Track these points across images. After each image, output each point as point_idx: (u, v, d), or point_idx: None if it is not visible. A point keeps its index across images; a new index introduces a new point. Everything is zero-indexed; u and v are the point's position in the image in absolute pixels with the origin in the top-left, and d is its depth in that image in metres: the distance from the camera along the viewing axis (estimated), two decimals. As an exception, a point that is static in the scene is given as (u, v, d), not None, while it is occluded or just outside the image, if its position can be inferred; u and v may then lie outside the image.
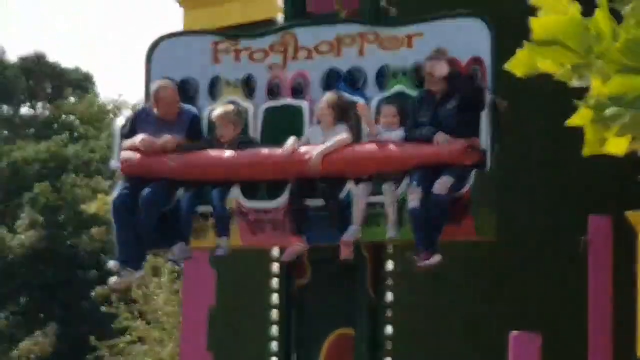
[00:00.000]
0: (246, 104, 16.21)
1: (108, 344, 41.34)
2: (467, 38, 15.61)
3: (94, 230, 54.54)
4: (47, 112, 65.85)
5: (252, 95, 16.32)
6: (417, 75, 15.62)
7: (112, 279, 17.13)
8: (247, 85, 16.41)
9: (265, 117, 16.18)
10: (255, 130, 16.08)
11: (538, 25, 3.77)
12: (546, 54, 3.82)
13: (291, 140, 15.61)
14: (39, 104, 67.28)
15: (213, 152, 15.90)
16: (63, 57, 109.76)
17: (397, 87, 15.72)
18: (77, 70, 71.30)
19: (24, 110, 67.52)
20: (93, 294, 50.13)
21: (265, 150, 15.79)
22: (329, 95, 15.64)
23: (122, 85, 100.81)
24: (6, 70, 66.69)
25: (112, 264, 16.76)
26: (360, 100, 16.13)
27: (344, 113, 15.72)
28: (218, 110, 15.98)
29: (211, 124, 16.11)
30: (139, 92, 34.46)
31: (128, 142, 16.13)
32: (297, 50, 16.18)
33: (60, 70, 69.27)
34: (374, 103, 15.82)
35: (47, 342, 55.30)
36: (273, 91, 16.32)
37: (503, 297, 18.22)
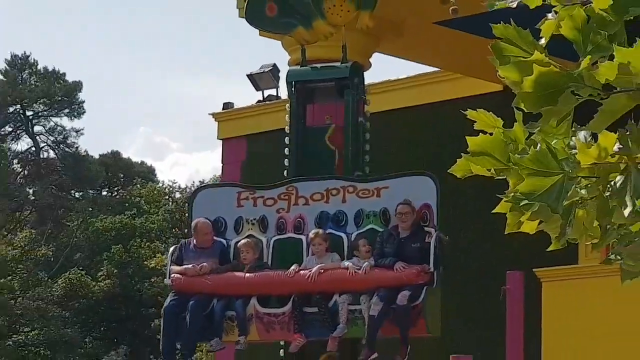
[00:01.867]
0: (261, 237, 16.08)
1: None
2: (419, 190, 15.47)
3: (154, 279, 54.25)
4: (120, 194, 65.33)
5: (265, 230, 16.16)
6: (383, 216, 15.52)
7: None
8: (262, 224, 16.22)
9: (274, 247, 16.04)
10: (267, 256, 15.94)
11: (472, 142, 3.71)
12: (477, 162, 3.76)
13: (294, 266, 15.47)
14: (115, 189, 66.70)
15: (237, 274, 15.68)
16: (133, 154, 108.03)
17: (369, 225, 15.58)
18: (142, 164, 70.74)
19: (104, 193, 66.94)
20: (152, 325, 50.01)
21: (275, 272, 15.62)
22: (321, 231, 15.53)
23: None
24: (90, 165, 66.28)
25: None
26: (342, 235, 15.63)
27: (334, 247, 15.70)
28: (242, 240, 15.88)
29: (236, 251, 15.92)
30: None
31: (177, 268, 15.96)
32: (297, 199, 16.05)
33: (130, 163, 68.89)
34: (352, 236, 15.55)
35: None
36: (280, 228, 16.15)
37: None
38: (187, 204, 18.15)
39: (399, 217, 15.33)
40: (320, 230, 15.55)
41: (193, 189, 60.85)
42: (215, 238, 16.05)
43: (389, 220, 15.48)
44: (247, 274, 15.63)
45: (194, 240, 16.19)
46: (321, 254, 15.53)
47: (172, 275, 15.97)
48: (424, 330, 15.10)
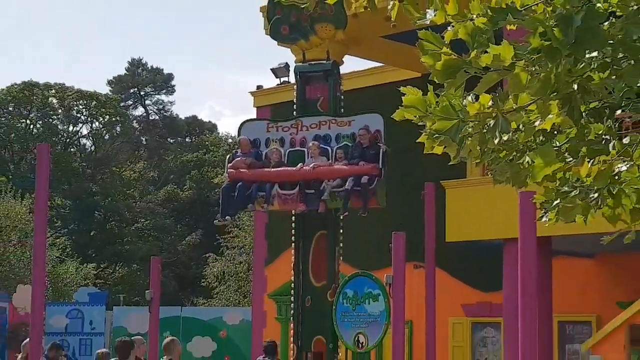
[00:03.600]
0: (280, 149, 15.98)
1: None
2: (373, 121, 15.41)
3: (217, 190, 54.08)
4: (196, 140, 65.17)
5: (283, 145, 16.04)
6: (352, 137, 15.47)
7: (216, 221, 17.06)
8: (281, 141, 16.11)
9: (288, 155, 15.92)
10: (285, 159, 15.83)
11: (405, 99, 3.76)
12: (408, 112, 3.79)
13: (299, 165, 15.37)
14: (193, 137, 66.61)
15: (266, 169, 15.58)
16: (204, 117, 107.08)
17: (344, 142, 15.53)
18: (209, 122, 70.48)
19: (187, 139, 67.02)
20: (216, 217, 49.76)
21: (289, 169, 15.55)
22: (316, 142, 15.51)
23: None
24: (179, 123, 66.27)
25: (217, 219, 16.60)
26: (328, 148, 15.64)
27: (322, 152, 15.60)
28: (271, 148, 15.87)
29: (267, 155, 15.88)
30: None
31: (229, 165, 15.92)
32: (302, 127, 15.95)
33: (202, 122, 68.72)
34: (334, 149, 15.50)
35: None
36: (292, 144, 16.05)
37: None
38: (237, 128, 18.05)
39: (361, 136, 15.31)
40: (316, 142, 15.53)
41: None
42: (252, 148, 16.00)
43: (356, 139, 15.47)
44: (272, 169, 15.56)
45: (239, 150, 16.17)
46: (316, 157, 15.44)
47: (228, 170, 15.94)
48: (375, 203, 15.05)
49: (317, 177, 15.19)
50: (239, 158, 15.78)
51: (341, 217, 15.61)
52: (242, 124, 17.08)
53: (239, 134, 16.56)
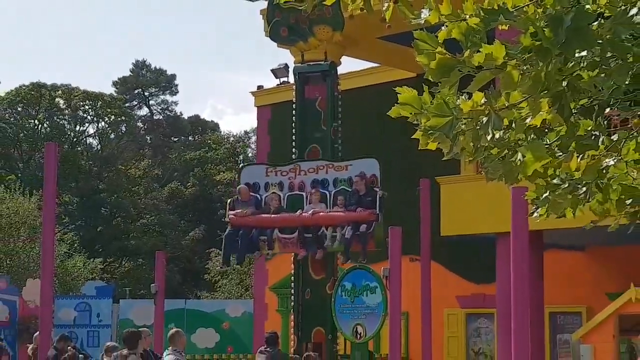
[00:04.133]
0: (279, 193, 15.96)
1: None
2: (369, 166, 15.46)
3: (219, 187, 53.91)
4: (199, 139, 65.27)
5: (282, 189, 16.05)
6: (349, 182, 15.47)
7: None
8: (280, 185, 16.12)
9: (287, 199, 15.92)
10: (284, 204, 15.83)
11: (401, 97, 3.76)
12: (403, 109, 3.80)
13: (299, 211, 15.38)
14: (196, 135, 66.65)
15: (266, 215, 15.56)
16: (206, 116, 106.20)
17: (341, 186, 15.54)
18: (211, 121, 70.46)
19: (190, 138, 67.06)
20: (218, 213, 49.64)
21: (288, 214, 15.51)
22: (316, 189, 15.56)
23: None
24: (182, 122, 66.30)
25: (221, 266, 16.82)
26: (326, 192, 15.60)
27: (322, 198, 15.62)
28: (269, 195, 15.86)
29: (267, 201, 15.87)
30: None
31: (231, 212, 15.88)
32: (300, 171, 15.96)
33: (204, 121, 68.77)
34: (332, 193, 15.49)
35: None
36: (290, 188, 16.04)
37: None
38: (236, 176, 18.19)
39: (356, 182, 15.32)
40: (315, 189, 15.55)
41: (240, 135, 61.07)
42: (252, 194, 15.96)
43: (353, 184, 15.47)
44: (272, 215, 15.54)
45: (240, 197, 16.15)
46: (315, 203, 15.46)
47: (229, 216, 15.88)
48: (373, 247, 15.01)
49: (316, 223, 15.23)
50: (241, 210, 15.74)
51: (342, 263, 15.67)
52: (241, 169, 17.19)
53: (238, 179, 16.65)
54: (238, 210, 15.69)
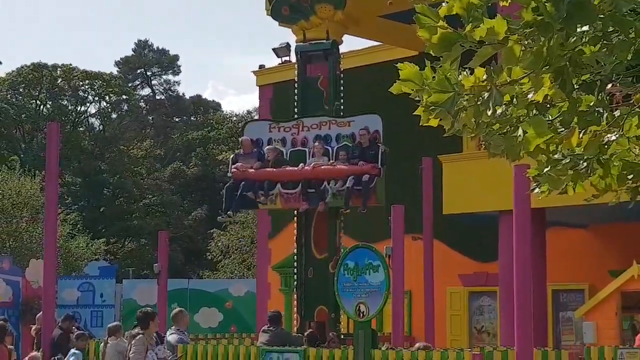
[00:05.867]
0: (282, 149, 15.92)
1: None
2: (372, 122, 15.41)
3: (221, 167, 53.98)
4: (201, 118, 65.16)
5: (285, 145, 16.01)
6: (352, 137, 15.44)
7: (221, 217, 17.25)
8: (283, 141, 16.06)
9: (290, 155, 15.90)
10: (287, 158, 15.81)
11: (402, 73, 3.75)
12: (405, 85, 3.79)
13: (300, 165, 15.38)
14: (198, 115, 66.51)
15: (269, 169, 15.58)
16: (208, 95, 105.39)
17: (344, 142, 15.50)
18: (213, 101, 70.39)
19: (192, 118, 66.97)
20: (221, 193, 49.80)
21: (290, 168, 15.51)
22: (319, 144, 15.50)
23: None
24: (184, 102, 66.26)
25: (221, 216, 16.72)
26: (329, 148, 15.53)
27: (325, 152, 15.56)
28: (269, 147, 15.78)
29: (267, 153, 15.85)
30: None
31: (234, 165, 15.88)
32: (303, 127, 15.91)
33: (207, 101, 68.71)
34: (335, 149, 15.46)
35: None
36: (293, 144, 16.00)
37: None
38: (241, 128, 18.00)
39: (361, 136, 15.27)
40: (319, 142, 15.50)
41: (242, 114, 60.92)
42: (254, 148, 15.95)
43: (355, 139, 15.43)
44: (275, 169, 15.56)
45: (242, 150, 16.14)
46: (318, 157, 15.42)
47: (232, 169, 15.89)
48: (374, 201, 15.02)
49: (319, 177, 15.21)
50: (241, 160, 15.73)
51: (342, 212, 15.64)
52: (245, 125, 17.15)
53: (242, 133, 16.61)
54: (239, 164, 15.71)
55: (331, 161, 15.34)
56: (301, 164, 15.43)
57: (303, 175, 15.32)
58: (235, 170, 15.72)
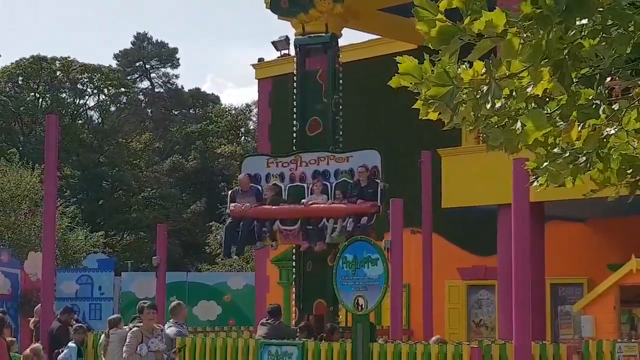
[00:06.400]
0: (281, 185, 15.89)
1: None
2: (370, 158, 15.37)
3: (220, 159, 53.88)
4: (200, 112, 65.04)
5: (283, 181, 15.97)
6: (351, 173, 15.41)
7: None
8: (281, 177, 16.05)
9: (288, 191, 15.85)
10: (285, 195, 15.75)
11: (401, 67, 3.76)
12: (403, 79, 3.80)
13: (303, 201, 15.41)
14: (197, 108, 66.45)
15: (267, 207, 15.50)
16: (206, 89, 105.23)
17: (343, 178, 15.48)
18: (212, 94, 70.30)
19: (191, 111, 66.91)
20: (219, 186, 49.70)
21: (289, 205, 15.46)
22: (318, 181, 15.49)
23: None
24: (183, 95, 66.21)
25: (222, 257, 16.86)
26: (328, 184, 15.51)
27: (324, 189, 15.55)
28: (267, 185, 15.82)
29: (264, 191, 15.83)
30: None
31: (232, 204, 15.84)
32: (301, 163, 15.90)
33: (205, 94, 68.60)
34: (334, 185, 15.37)
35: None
36: (292, 179, 15.98)
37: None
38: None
39: (359, 174, 15.23)
40: (318, 180, 15.48)
41: (241, 108, 60.86)
42: (252, 185, 15.90)
43: (354, 175, 15.39)
44: (273, 207, 15.41)
45: (240, 187, 16.11)
46: (317, 194, 15.39)
47: (230, 207, 15.78)
48: (374, 238, 14.96)
49: (317, 215, 15.16)
50: (241, 203, 15.69)
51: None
52: (243, 159, 17.14)
53: (240, 168, 16.60)
54: (238, 204, 15.65)
55: (330, 201, 15.29)
56: (303, 201, 15.38)
57: (301, 214, 15.28)
58: (233, 208, 15.69)
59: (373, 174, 15.21)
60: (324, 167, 15.70)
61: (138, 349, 11.72)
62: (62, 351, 13.71)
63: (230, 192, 16.34)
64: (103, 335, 13.32)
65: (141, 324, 12.24)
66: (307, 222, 15.20)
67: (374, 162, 15.35)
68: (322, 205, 15.20)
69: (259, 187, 15.79)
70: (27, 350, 13.09)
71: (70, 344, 13.70)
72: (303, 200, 15.36)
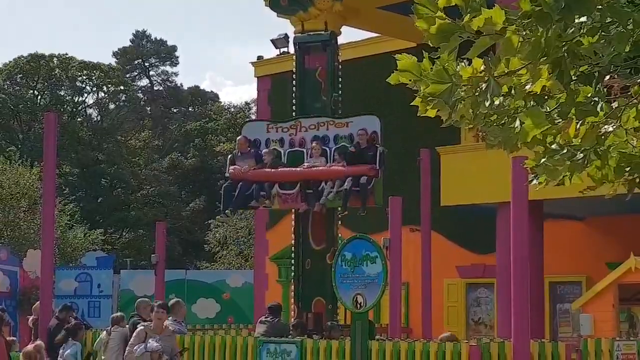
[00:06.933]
0: (280, 149, 15.85)
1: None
2: (370, 123, 15.32)
3: (219, 157, 53.98)
4: (199, 109, 65.05)
5: (283, 145, 15.93)
6: (350, 138, 15.36)
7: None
8: (280, 142, 16.00)
9: (288, 155, 15.81)
10: (284, 159, 15.73)
11: (400, 64, 3.76)
12: (402, 75, 3.80)
13: (300, 166, 15.37)
14: (196, 106, 66.45)
15: (267, 170, 15.51)
16: (205, 86, 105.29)
17: (342, 143, 15.44)
18: (211, 92, 70.24)
19: (190, 109, 66.87)
20: (218, 184, 49.65)
21: (288, 169, 15.44)
22: (317, 144, 15.44)
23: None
24: (182, 93, 66.15)
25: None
26: (327, 148, 15.42)
27: (323, 153, 15.50)
28: (266, 150, 15.73)
29: (264, 156, 15.77)
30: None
31: (232, 167, 15.82)
32: (301, 128, 15.84)
33: (204, 92, 68.61)
34: (333, 149, 15.31)
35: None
36: (291, 144, 15.95)
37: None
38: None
39: (359, 137, 15.17)
40: (317, 142, 15.42)
41: (240, 106, 60.84)
42: (251, 148, 15.87)
43: (353, 139, 15.33)
44: (272, 170, 15.49)
45: (238, 149, 16.09)
46: (316, 157, 15.34)
47: (230, 170, 15.82)
48: (373, 202, 14.89)
49: (316, 178, 15.13)
50: (238, 160, 15.65)
51: (340, 216, 15.60)
52: (243, 125, 17.10)
53: (240, 132, 16.54)
54: (237, 166, 15.64)
55: (329, 163, 15.27)
56: (301, 165, 15.37)
57: (300, 176, 15.24)
58: (232, 171, 15.68)
59: (372, 139, 15.20)
60: (324, 132, 15.65)
61: (136, 347, 11.73)
62: (64, 347, 13.71)
63: (229, 155, 16.36)
64: (104, 332, 13.33)
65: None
66: (306, 185, 15.20)
67: (374, 127, 15.31)
68: (321, 167, 15.22)
69: (259, 151, 15.80)
70: (30, 348, 13.08)
71: (73, 341, 13.69)
72: (301, 165, 15.37)
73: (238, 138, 16.16)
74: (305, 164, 15.31)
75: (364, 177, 14.70)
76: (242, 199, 15.57)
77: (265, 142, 15.93)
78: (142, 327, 11.89)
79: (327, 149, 15.46)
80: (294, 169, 15.31)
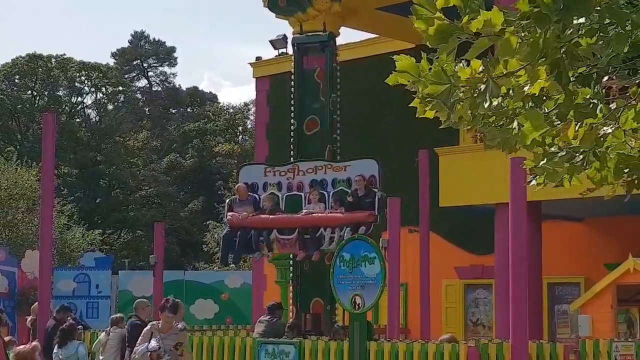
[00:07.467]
0: (278, 194, 15.80)
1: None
2: (368, 167, 15.21)
3: (218, 158, 53.80)
4: (197, 110, 65.00)
5: (281, 190, 15.87)
6: (348, 182, 15.27)
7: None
8: (278, 186, 15.95)
9: (286, 200, 15.74)
10: (282, 205, 15.65)
11: (399, 64, 3.77)
12: (401, 76, 3.80)
13: (300, 212, 15.31)
14: (195, 107, 66.41)
15: (265, 216, 15.29)
16: (204, 87, 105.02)
17: (340, 187, 15.36)
18: (209, 93, 70.18)
19: (188, 109, 66.83)
20: (217, 184, 49.59)
21: (287, 215, 15.31)
22: (315, 190, 15.38)
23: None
24: (181, 94, 66.16)
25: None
26: (325, 193, 15.31)
27: (321, 198, 15.45)
28: (264, 195, 15.69)
29: (263, 202, 15.71)
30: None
31: (230, 213, 15.73)
32: (299, 172, 15.79)
33: (203, 92, 68.56)
34: (331, 194, 15.12)
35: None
36: (289, 188, 15.88)
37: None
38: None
39: (356, 183, 15.08)
40: (314, 189, 15.34)
41: (239, 106, 60.83)
42: (250, 194, 15.79)
43: (351, 184, 15.25)
44: (271, 216, 15.22)
45: (238, 196, 16.05)
46: (315, 203, 15.26)
47: (228, 216, 15.54)
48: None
49: (315, 224, 15.05)
50: (239, 212, 15.57)
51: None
52: (240, 168, 17.04)
53: (237, 177, 16.47)
54: (235, 213, 15.51)
55: (327, 210, 15.20)
56: (301, 211, 15.28)
57: (299, 223, 15.13)
58: (230, 217, 15.58)
59: (370, 183, 15.08)
60: (322, 176, 15.53)
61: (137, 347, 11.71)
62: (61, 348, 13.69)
63: (227, 200, 16.23)
64: (103, 333, 13.32)
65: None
66: (305, 232, 15.03)
67: (372, 171, 15.14)
68: (320, 214, 15.12)
69: (257, 196, 15.69)
70: (24, 348, 13.05)
71: (76, 341, 13.65)
72: (301, 211, 15.28)
73: (237, 185, 16.05)
74: (304, 210, 15.28)
75: (362, 227, 14.48)
76: (244, 247, 15.50)
77: (263, 185, 15.83)
78: (149, 328, 11.89)
79: (325, 193, 15.37)
80: (292, 215, 15.27)
